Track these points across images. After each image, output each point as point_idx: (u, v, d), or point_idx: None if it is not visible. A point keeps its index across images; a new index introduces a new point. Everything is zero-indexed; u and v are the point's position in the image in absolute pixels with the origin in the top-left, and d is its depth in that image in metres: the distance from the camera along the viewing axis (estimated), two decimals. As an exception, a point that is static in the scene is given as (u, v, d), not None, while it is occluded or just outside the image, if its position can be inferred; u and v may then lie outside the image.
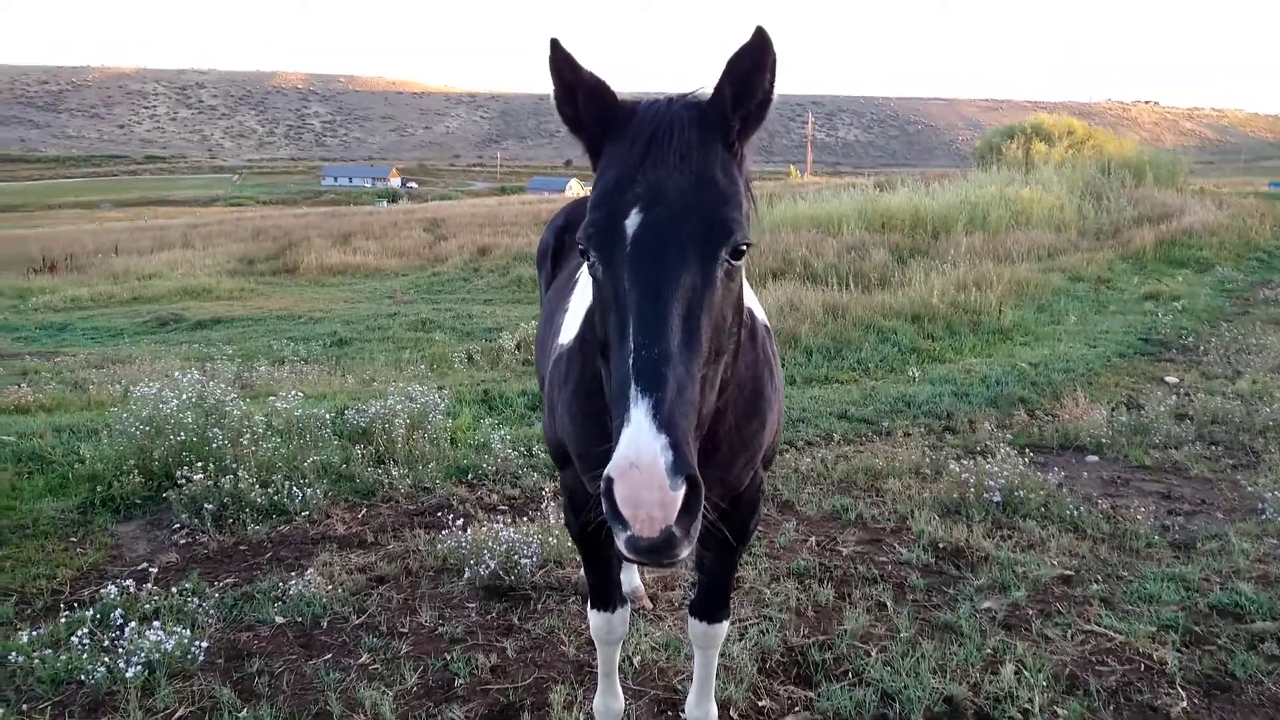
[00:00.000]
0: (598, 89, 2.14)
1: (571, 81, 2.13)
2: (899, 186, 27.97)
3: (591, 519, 3.10)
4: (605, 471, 1.77)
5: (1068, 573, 5.03)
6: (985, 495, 5.89)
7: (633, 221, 1.98)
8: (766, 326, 2.97)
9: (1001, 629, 4.42)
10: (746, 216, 2.10)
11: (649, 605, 4.68)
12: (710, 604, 3.22)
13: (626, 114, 2.14)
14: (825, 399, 8.81)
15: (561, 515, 5.01)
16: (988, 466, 6.17)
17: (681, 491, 1.72)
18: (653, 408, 1.76)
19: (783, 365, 10.22)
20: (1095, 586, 4.84)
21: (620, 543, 1.78)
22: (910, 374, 9.87)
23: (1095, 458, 7.20)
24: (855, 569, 5.07)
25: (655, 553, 1.74)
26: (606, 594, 3.28)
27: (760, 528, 5.53)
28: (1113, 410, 8.18)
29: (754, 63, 1.99)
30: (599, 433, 2.77)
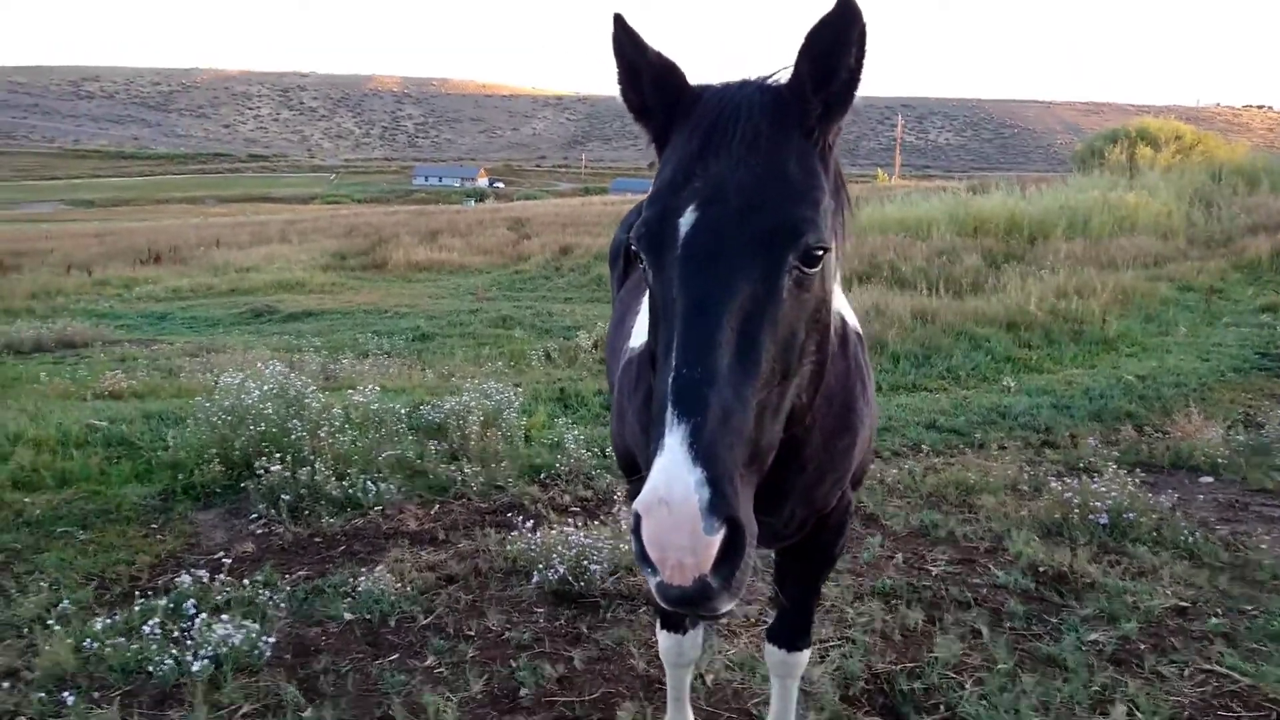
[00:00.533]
0: (665, 70, 1.90)
1: (636, 62, 1.90)
2: (993, 190, 26.99)
3: None
4: (633, 505, 1.53)
5: (1183, 604, 4.61)
6: (1091, 516, 5.48)
7: (686, 221, 1.74)
8: (859, 333, 2.70)
9: (1110, 664, 4.05)
10: (829, 215, 1.80)
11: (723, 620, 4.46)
12: (791, 631, 2.98)
13: (693, 99, 1.89)
14: (913, 407, 8.43)
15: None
16: (1093, 485, 5.74)
17: (719, 536, 1.47)
18: (690, 436, 1.52)
19: (869, 371, 9.86)
20: (1215, 621, 4.41)
21: (651, 588, 1.54)
22: (1005, 384, 9.38)
23: (1211, 479, 6.67)
24: (946, 591, 4.75)
25: (689, 604, 1.51)
26: (677, 615, 3.07)
27: (852, 525, 5.25)
28: (1229, 428, 7.59)
29: (837, 36, 1.71)
30: None
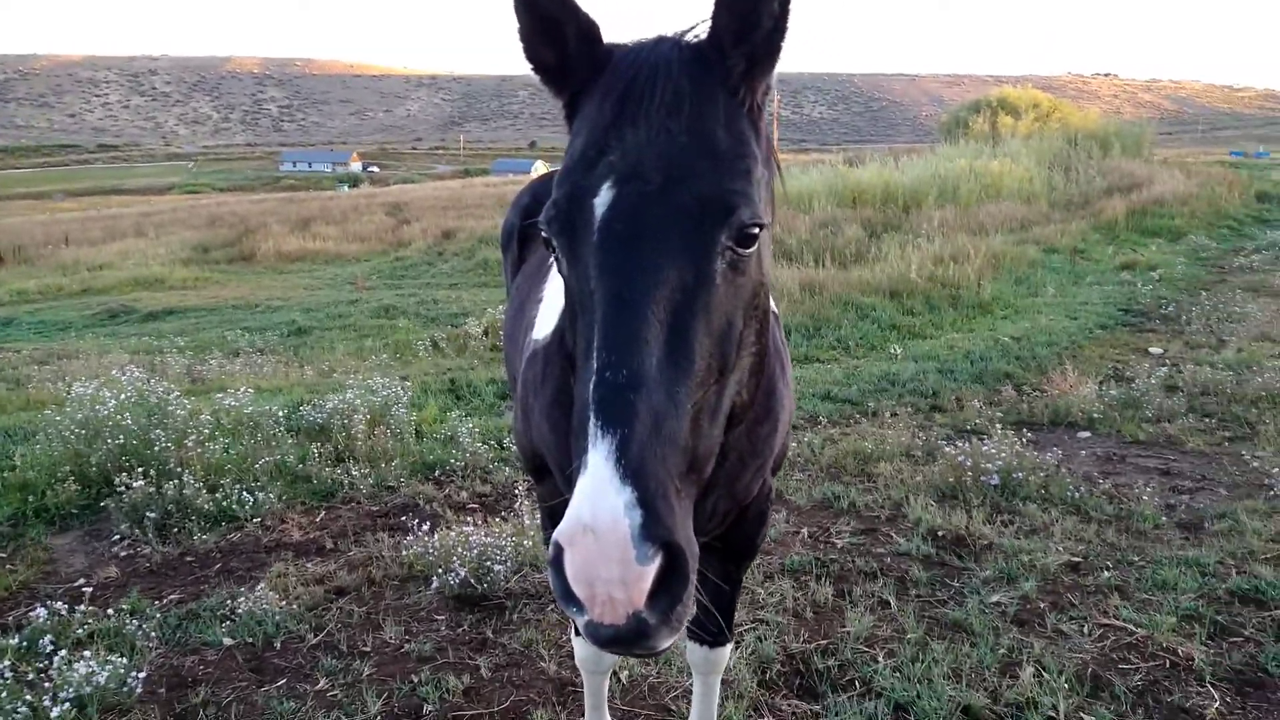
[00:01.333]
0: (591, 24, 1.66)
1: (555, 14, 1.64)
2: (868, 161, 27.72)
3: None
4: (553, 536, 1.32)
5: (1076, 560, 4.74)
6: (983, 478, 5.59)
7: (602, 201, 1.51)
8: (775, 314, 2.57)
9: (1014, 625, 4.11)
10: (762, 186, 1.59)
11: (634, 612, 4.32)
12: (712, 626, 2.85)
13: (604, 60, 1.66)
14: (808, 379, 8.49)
15: (537, 517, 4.63)
16: (983, 447, 5.86)
17: (654, 565, 1.27)
18: (617, 450, 1.31)
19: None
20: (1107, 574, 4.55)
21: (579, 627, 1.34)
22: (892, 351, 9.58)
23: (1088, 434, 6.94)
24: (853, 563, 4.74)
25: (623, 644, 1.31)
26: None
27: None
28: (1101, 384, 7.95)
29: None
30: None
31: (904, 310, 11.51)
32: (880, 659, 3.84)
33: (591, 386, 1.38)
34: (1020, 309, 11.76)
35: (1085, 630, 4.04)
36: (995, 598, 4.34)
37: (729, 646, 2.94)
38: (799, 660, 3.86)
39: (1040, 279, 13.54)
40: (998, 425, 6.43)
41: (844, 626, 4.11)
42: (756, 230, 1.51)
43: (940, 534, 5.05)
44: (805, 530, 5.19)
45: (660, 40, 1.67)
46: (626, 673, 3.80)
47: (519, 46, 1.68)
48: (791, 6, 1.54)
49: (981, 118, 36.01)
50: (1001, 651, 3.86)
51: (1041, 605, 4.26)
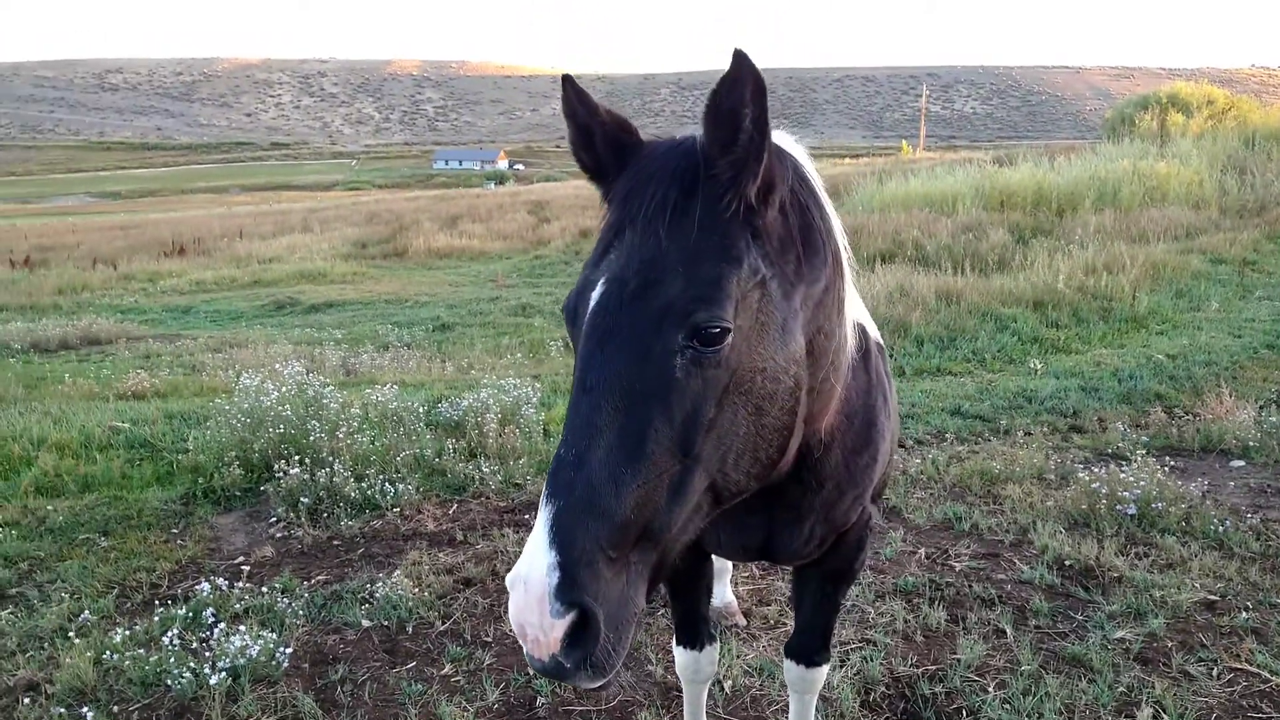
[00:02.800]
0: (618, 128, 1.82)
1: (587, 123, 1.82)
2: (1020, 161, 26.55)
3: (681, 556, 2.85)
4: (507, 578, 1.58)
5: (1212, 598, 4.50)
6: (1118, 507, 5.36)
7: (593, 297, 1.68)
8: (879, 344, 2.62)
9: (1137, 663, 3.96)
10: (744, 284, 1.66)
11: (742, 622, 4.41)
12: (808, 646, 2.92)
13: (633, 158, 1.83)
14: (937, 393, 8.31)
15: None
16: (1121, 474, 5.62)
17: (566, 621, 1.46)
18: (551, 518, 1.52)
19: (891, 355, 9.72)
20: (1244, 616, 4.30)
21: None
22: (1032, 366, 9.22)
23: (1242, 463, 6.51)
24: (970, 588, 4.66)
25: (550, 676, 1.54)
26: (693, 630, 3.02)
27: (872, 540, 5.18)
28: (1261, 409, 7.41)
29: (733, 96, 1.61)
30: None
31: (1048, 322, 11.04)
32: (990, 689, 3.79)
33: (553, 460, 1.60)
34: (1178, 324, 11.06)
35: (1214, 674, 3.85)
36: (1120, 633, 4.18)
37: (825, 667, 2.99)
38: (905, 684, 3.85)
39: (1204, 292, 12.67)
40: (1140, 451, 6.13)
41: (955, 653, 4.06)
42: (716, 330, 1.60)
43: (1067, 563, 4.89)
44: (922, 551, 5.13)
45: (678, 142, 1.79)
46: (730, 683, 3.90)
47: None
48: (768, 119, 1.63)
49: (1149, 115, 33.76)
50: (1120, 690, 3.73)
51: (1169, 644, 4.08)
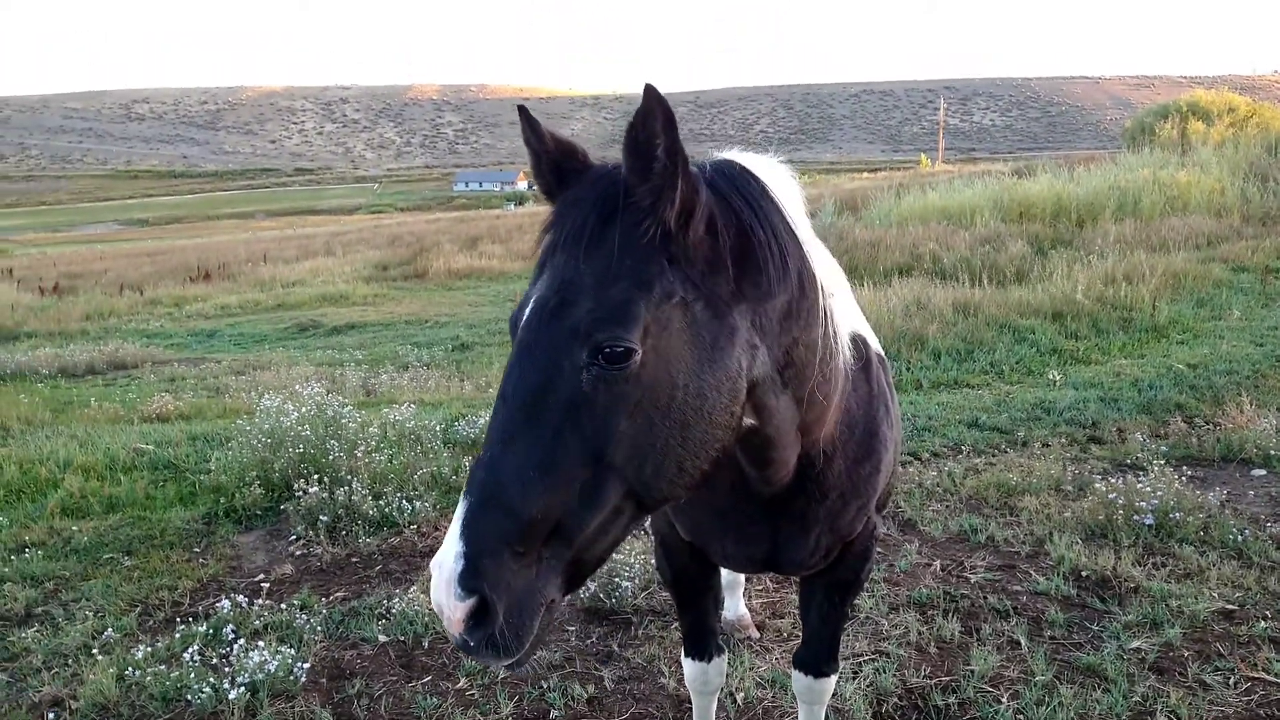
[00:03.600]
0: (561, 156, 1.92)
1: (538, 150, 1.93)
2: (1039, 172, 26.45)
3: (686, 566, 2.88)
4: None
5: (1230, 607, 4.46)
6: (1136, 517, 5.33)
7: (524, 315, 1.82)
8: (881, 356, 2.67)
9: (1152, 673, 3.93)
10: (654, 307, 1.73)
11: (755, 635, 4.42)
12: (816, 656, 2.94)
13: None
14: (954, 405, 8.28)
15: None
16: (1139, 484, 5.59)
17: (466, 605, 1.61)
18: (464, 512, 1.66)
19: (907, 368, 9.71)
20: (1263, 625, 4.26)
21: None
22: (1050, 377, 9.18)
23: (1263, 472, 6.45)
24: (985, 600, 4.65)
25: (463, 652, 1.70)
26: (702, 643, 3.05)
27: (879, 549, 5.17)
28: (1285, 418, 7.34)
29: (646, 127, 1.69)
30: (709, 493, 2.54)
31: (1067, 334, 10.97)
32: (1004, 699, 3.78)
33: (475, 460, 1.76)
34: (1199, 333, 10.96)
35: (1231, 683, 3.81)
36: (1135, 643, 4.16)
37: (833, 678, 3.01)
38: (917, 695, 3.85)
39: (1225, 300, 12.56)
40: (1159, 461, 6.09)
41: (968, 664, 4.05)
42: (620, 349, 1.68)
43: (1084, 574, 4.86)
44: (938, 563, 5.12)
45: (609, 170, 1.88)
46: (742, 695, 3.91)
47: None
48: (678, 148, 1.70)
49: (1169, 124, 33.54)
50: (1135, 699, 3.71)
51: (1185, 654, 4.05)
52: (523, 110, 1.94)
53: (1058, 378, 9.14)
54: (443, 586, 1.63)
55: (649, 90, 1.66)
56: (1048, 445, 7.04)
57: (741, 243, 1.88)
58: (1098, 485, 5.77)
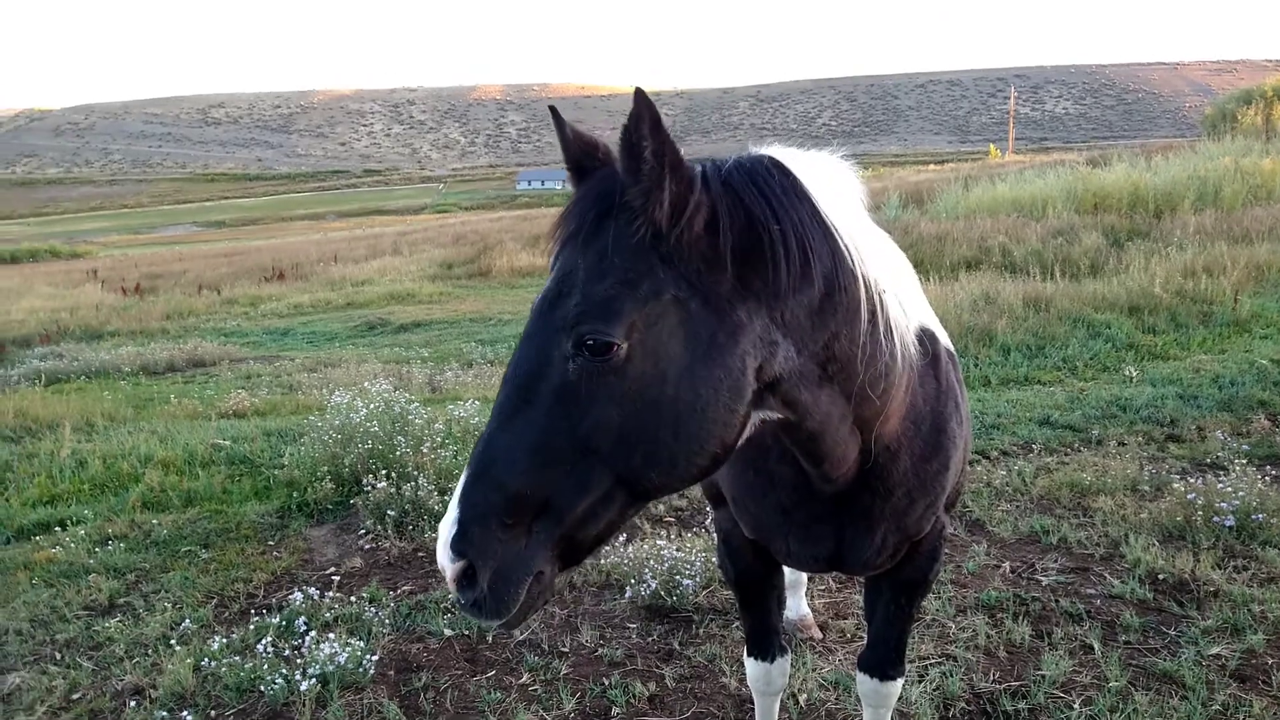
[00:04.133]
0: (580, 154, 1.97)
1: (565, 147, 2.00)
2: (1114, 162, 25.62)
3: (749, 564, 2.87)
4: None
5: (1322, 615, 4.27)
6: (1215, 518, 5.14)
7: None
8: (951, 352, 2.61)
9: (1233, 680, 3.79)
10: (643, 303, 1.77)
11: (818, 635, 4.38)
12: (881, 659, 2.90)
13: None
14: (1025, 402, 8.08)
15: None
16: (1219, 485, 5.38)
17: (456, 567, 1.76)
18: (463, 482, 1.79)
19: (975, 364, 9.51)
20: (1358, 634, 4.07)
21: None
22: (1126, 373, 8.89)
23: (1357, 473, 6.15)
24: (1057, 603, 4.53)
25: (459, 610, 1.90)
26: (765, 642, 3.03)
27: (946, 549, 5.08)
28: (1380, 415, 7.00)
29: (636, 128, 1.73)
30: (755, 477, 2.54)
31: (1144, 328, 10.62)
32: (1076, 705, 3.68)
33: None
34: (1285, 327, 10.51)
35: (1321, 695, 3.65)
36: (1215, 649, 4.01)
37: (900, 681, 2.96)
38: (986, 700, 3.77)
39: (1314, 293, 12.01)
40: (1240, 460, 5.86)
41: (1039, 669, 3.96)
42: (602, 343, 1.73)
43: (1160, 577, 4.71)
44: (1007, 565, 5.01)
45: (611, 170, 1.91)
46: (805, 696, 3.87)
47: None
48: (666, 149, 1.73)
49: (1253, 109, 32.24)
50: (1215, 708, 3.58)
51: (1269, 661, 3.89)
52: (553, 110, 2.01)
53: (1134, 374, 8.85)
54: (440, 548, 1.78)
55: (638, 94, 1.71)
56: (1123, 444, 6.82)
57: (748, 239, 1.87)
58: (1176, 485, 5.58)
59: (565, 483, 1.77)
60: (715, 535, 3.12)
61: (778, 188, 1.94)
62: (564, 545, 1.81)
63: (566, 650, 4.38)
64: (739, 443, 1.92)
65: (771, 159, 2.00)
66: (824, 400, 2.03)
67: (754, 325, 1.86)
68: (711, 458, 1.87)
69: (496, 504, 1.74)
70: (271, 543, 5.90)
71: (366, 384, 8.07)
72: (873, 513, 2.40)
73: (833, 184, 2.07)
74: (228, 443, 7.87)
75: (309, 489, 6.49)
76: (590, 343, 1.74)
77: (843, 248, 1.99)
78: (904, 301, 2.21)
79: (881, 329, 2.06)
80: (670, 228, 1.79)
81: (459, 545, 1.75)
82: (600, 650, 4.35)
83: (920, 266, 14.64)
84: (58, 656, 4.53)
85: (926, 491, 2.45)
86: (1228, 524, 5.08)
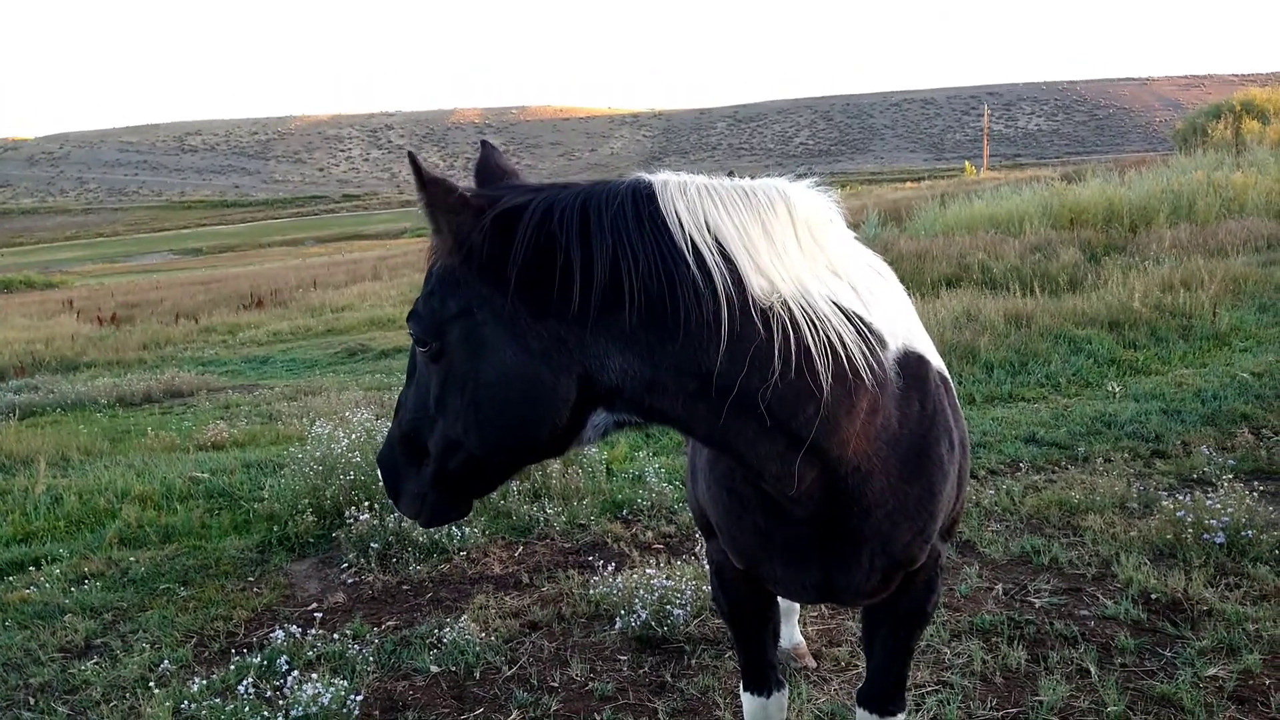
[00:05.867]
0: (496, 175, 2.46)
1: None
2: (1089, 177, 25.92)
3: (743, 597, 2.81)
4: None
5: (1316, 632, 4.25)
6: (1206, 536, 5.12)
7: None
8: (943, 376, 2.57)
9: (1231, 702, 3.76)
10: (425, 309, 2.20)
11: (812, 664, 4.31)
12: (881, 693, 2.84)
13: None
14: (1009, 420, 8.08)
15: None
16: (1208, 501, 5.38)
17: (379, 471, 2.55)
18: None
19: (960, 382, 9.50)
20: (1353, 650, 4.05)
21: None
22: (1109, 389, 8.92)
23: (1342, 486, 6.17)
24: (1051, 625, 4.49)
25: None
26: (760, 676, 2.96)
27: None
28: (1361, 427, 7.04)
29: (420, 188, 2.07)
30: (729, 499, 2.49)
31: (1125, 343, 10.67)
32: (1075, 732, 3.63)
33: None
34: (1264, 340, 10.59)
35: (1320, 716, 3.62)
36: (1212, 670, 3.98)
37: (901, 716, 2.90)
38: (983, 727, 3.71)
39: (1290, 305, 12.13)
40: (1227, 475, 5.86)
41: (1036, 694, 3.91)
42: (418, 337, 2.21)
43: (1153, 597, 4.68)
44: (999, 587, 4.97)
45: None
46: (801, 728, 3.80)
47: None
48: (434, 197, 2.06)
49: (1222, 124, 32.74)
50: (1216, 733, 3.54)
51: (1266, 681, 3.86)
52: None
53: (1117, 389, 8.88)
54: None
55: (410, 157, 2.07)
56: (1109, 460, 6.82)
57: (541, 263, 2.01)
58: (1164, 502, 5.57)
59: (428, 434, 2.27)
60: (708, 568, 3.05)
61: (609, 214, 2.01)
62: (439, 479, 2.30)
63: (556, 685, 4.29)
64: (567, 431, 2.13)
65: (636, 187, 2.07)
66: (708, 414, 2.07)
67: (561, 337, 2.03)
68: (524, 439, 2.15)
69: (395, 440, 2.41)
70: (252, 578, 5.78)
71: (348, 413, 7.98)
72: (853, 535, 2.35)
73: (724, 207, 2.04)
74: (206, 475, 7.73)
75: (290, 522, 6.37)
76: (413, 335, 2.21)
77: (690, 269, 1.97)
78: (874, 323, 2.16)
79: (794, 350, 2.00)
80: (462, 258, 2.07)
81: (378, 457, 2.54)
82: (591, 684, 4.26)
83: (901, 284, 14.70)
84: (31, 701, 4.40)
85: (911, 516, 2.39)
86: (1218, 541, 5.06)
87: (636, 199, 2.03)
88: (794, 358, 2.01)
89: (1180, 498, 5.55)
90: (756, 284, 1.99)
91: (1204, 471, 6.38)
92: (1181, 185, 20.87)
